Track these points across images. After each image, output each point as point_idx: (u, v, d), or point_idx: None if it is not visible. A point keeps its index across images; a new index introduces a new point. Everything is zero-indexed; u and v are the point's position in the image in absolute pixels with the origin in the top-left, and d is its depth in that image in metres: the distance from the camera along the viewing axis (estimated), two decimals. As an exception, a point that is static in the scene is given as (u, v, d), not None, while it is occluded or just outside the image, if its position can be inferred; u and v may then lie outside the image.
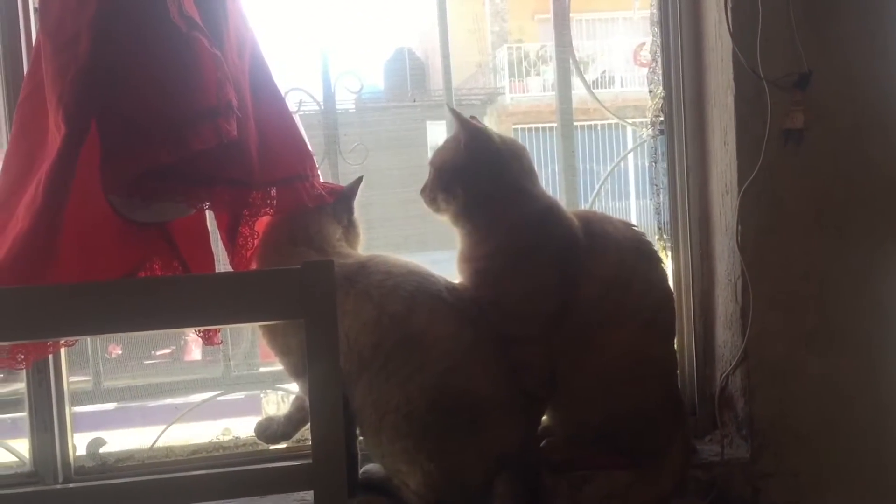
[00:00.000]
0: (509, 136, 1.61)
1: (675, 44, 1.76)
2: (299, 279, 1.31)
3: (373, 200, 1.83)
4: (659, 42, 1.78)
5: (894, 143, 1.67)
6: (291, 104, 1.75)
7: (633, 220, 1.65)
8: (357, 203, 1.64)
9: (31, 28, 1.58)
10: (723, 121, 1.68)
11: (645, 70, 1.85)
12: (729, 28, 1.60)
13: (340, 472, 1.28)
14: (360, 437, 1.51)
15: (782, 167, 1.63)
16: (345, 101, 1.96)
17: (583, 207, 1.96)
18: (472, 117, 1.55)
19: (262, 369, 2.13)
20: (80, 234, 1.38)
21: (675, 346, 1.70)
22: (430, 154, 1.64)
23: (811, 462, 1.68)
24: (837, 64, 1.64)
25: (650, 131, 1.83)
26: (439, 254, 1.74)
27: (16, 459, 1.67)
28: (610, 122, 2.48)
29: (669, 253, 1.82)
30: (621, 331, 1.52)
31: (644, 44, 1.91)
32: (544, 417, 1.61)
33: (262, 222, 1.56)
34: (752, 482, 1.67)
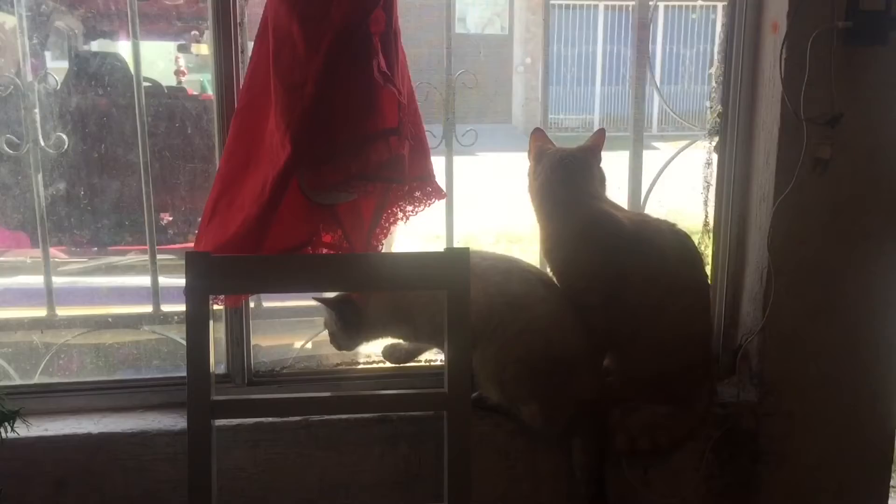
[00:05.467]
0: (571, 150, 1.99)
1: (734, 77, 2.09)
2: (444, 260, 1.80)
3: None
4: (722, 71, 2.13)
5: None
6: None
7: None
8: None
9: (239, 42, 1.94)
10: (767, 144, 2.03)
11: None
12: (781, 75, 1.94)
13: (467, 399, 1.78)
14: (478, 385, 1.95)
15: (810, 186, 1.99)
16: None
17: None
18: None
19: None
20: (280, 213, 1.85)
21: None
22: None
23: (803, 407, 2.12)
24: (864, 106, 1.97)
25: (707, 141, 2.23)
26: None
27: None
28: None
29: (712, 236, 2.23)
30: (665, 314, 1.90)
31: None
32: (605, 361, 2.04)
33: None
34: (756, 418, 2.10)
